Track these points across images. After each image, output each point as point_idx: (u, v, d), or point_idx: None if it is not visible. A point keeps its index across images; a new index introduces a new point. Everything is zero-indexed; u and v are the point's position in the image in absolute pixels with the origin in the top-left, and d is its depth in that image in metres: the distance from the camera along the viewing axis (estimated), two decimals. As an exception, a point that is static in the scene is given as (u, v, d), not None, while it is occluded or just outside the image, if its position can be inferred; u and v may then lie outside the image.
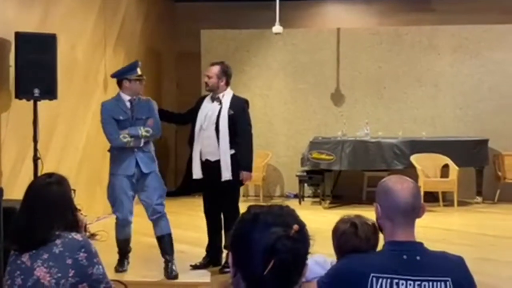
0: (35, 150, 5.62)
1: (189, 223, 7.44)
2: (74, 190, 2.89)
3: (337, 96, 10.18)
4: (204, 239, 5.67)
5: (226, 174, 5.40)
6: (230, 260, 1.55)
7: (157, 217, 5.25)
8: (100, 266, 2.70)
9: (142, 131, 5.20)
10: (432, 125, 9.94)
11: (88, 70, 7.57)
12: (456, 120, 9.94)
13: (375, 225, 2.55)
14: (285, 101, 10.15)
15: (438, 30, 10.01)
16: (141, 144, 5.23)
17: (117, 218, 5.36)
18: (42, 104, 5.75)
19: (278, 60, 10.23)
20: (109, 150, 5.41)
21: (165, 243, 5.28)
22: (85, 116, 7.50)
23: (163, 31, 10.58)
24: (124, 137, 5.15)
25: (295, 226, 1.48)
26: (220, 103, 5.49)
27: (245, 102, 5.61)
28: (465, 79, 9.93)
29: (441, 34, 9.99)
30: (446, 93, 9.97)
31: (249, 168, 5.47)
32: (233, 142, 5.40)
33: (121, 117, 5.22)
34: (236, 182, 5.47)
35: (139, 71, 5.31)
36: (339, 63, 10.15)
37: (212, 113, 5.47)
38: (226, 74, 5.55)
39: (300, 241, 1.50)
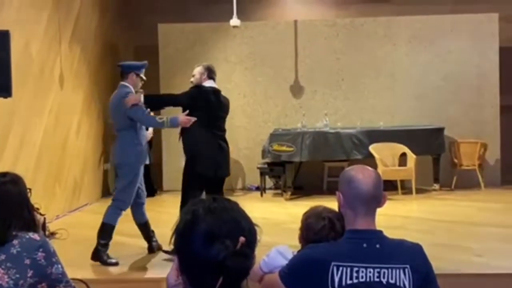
0: (-10, 149, 5.50)
1: (150, 218, 7.38)
2: (30, 189, 2.83)
3: (296, 88, 10.23)
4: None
5: None
6: (176, 263, 1.51)
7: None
8: (59, 265, 2.66)
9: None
10: (390, 115, 10.08)
11: (43, 66, 7.43)
12: (413, 109, 10.10)
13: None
14: (245, 94, 10.15)
15: (393, 21, 10.14)
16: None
17: (122, 205, 5.49)
18: (-4, 102, 5.62)
19: (237, 53, 10.22)
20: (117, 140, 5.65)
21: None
22: (41, 112, 7.37)
23: (120, 25, 10.45)
24: (161, 118, 5.58)
25: (242, 239, 1.44)
26: None
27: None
28: (420, 69, 10.09)
29: (397, 24, 10.13)
30: (403, 82, 10.12)
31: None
32: None
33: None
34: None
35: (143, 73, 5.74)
36: (297, 55, 10.20)
37: None
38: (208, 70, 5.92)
39: (248, 254, 1.45)
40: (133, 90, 5.55)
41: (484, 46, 9.94)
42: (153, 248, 5.77)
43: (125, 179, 5.49)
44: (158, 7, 10.51)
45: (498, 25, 9.88)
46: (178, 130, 5.89)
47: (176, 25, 10.19)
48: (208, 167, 5.69)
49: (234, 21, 8.94)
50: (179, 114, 5.49)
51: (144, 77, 5.70)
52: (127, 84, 5.56)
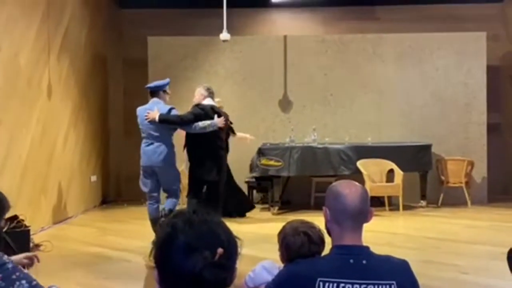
0: (-24, 159, 5.45)
1: (136, 231, 7.35)
2: (9, 206, 2.74)
3: (284, 103, 10.25)
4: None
5: None
6: (155, 275, 1.51)
7: None
8: (24, 281, 2.47)
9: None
10: (377, 131, 10.12)
11: (32, 77, 7.39)
12: (400, 125, 10.15)
13: (319, 228, 2.64)
14: (234, 108, 10.13)
15: (382, 38, 10.22)
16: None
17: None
18: (-17, 112, 5.58)
19: (226, 67, 10.24)
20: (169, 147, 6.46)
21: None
22: (28, 123, 7.32)
23: (109, 37, 10.44)
24: (204, 123, 6.66)
25: (220, 250, 1.43)
26: None
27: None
28: (408, 86, 10.16)
29: (385, 42, 10.20)
30: (391, 99, 10.18)
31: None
32: None
33: None
34: None
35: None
36: (286, 70, 10.24)
37: None
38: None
39: (226, 266, 1.45)
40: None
41: (472, 64, 10.03)
42: None
43: (177, 174, 6.49)
44: (147, 20, 10.52)
45: (486, 44, 9.99)
46: (183, 141, 7.10)
47: (165, 38, 10.20)
48: (204, 172, 6.99)
49: (224, 35, 8.97)
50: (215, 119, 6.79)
51: (169, 92, 6.59)
52: (160, 100, 6.42)
